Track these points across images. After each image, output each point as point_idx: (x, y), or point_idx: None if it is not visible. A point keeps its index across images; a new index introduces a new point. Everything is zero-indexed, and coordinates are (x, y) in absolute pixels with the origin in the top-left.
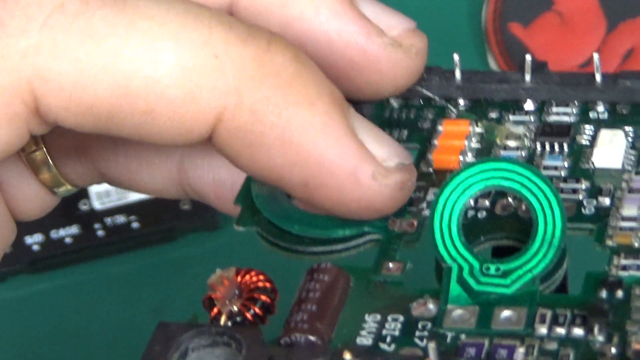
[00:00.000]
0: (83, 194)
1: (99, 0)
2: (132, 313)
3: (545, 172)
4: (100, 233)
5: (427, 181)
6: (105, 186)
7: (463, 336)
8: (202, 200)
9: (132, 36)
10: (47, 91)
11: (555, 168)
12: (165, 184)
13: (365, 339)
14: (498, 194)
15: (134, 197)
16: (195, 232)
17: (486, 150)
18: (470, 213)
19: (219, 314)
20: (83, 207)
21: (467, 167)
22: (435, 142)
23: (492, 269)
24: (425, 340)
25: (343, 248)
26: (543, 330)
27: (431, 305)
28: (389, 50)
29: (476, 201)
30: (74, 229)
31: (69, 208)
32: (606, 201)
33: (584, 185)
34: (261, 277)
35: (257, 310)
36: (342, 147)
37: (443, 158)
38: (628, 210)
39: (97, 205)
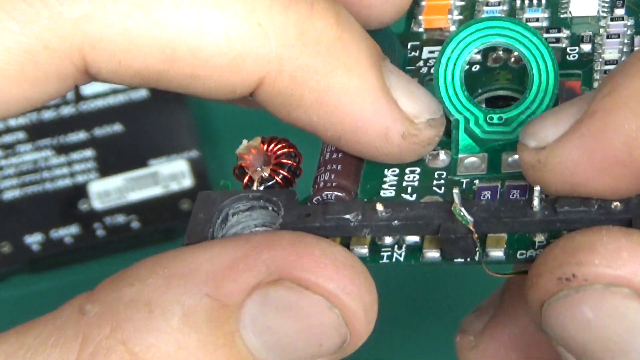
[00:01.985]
0: (83, 193)
1: None
2: None
3: (528, 24)
4: (100, 233)
5: (420, 40)
6: (105, 186)
7: (477, 182)
8: None
9: (179, 5)
10: (97, 57)
11: (537, 19)
12: None
13: (388, 192)
14: (488, 48)
15: (134, 196)
16: None
17: (470, 7)
18: (466, 67)
19: (251, 180)
20: (83, 206)
21: (465, 27)
22: (423, 3)
23: (495, 118)
24: (443, 189)
25: None
26: None
27: (443, 156)
28: None
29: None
30: (73, 229)
31: (69, 208)
32: (587, 47)
33: (565, 33)
34: (284, 143)
35: (285, 173)
36: (376, 109)
37: (432, 18)
38: (610, 55)
39: (97, 205)
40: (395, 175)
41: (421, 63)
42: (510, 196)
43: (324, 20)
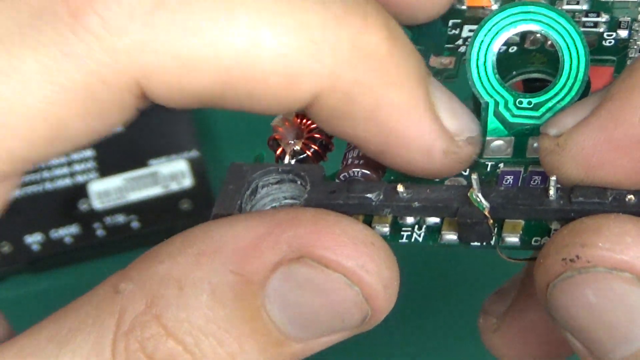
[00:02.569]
0: (83, 193)
1: None
2: None
3: (568, 7)
4: (100, 233)
5: (461, 18)
6: (105, 186)
7: (501, 165)
8: None
9: (231, 27)
10: (153, 85)
11: (577, 2)
12: None
13: None
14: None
15: (134, 196)
16: None
17: None
18: (502, 48)
19: (284, 152)
20: (83, 206)
21: (499, 11)
22: None
23: (525, 102)
24: (467, 170)
25: None
26: None
27: None
28: None
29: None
30: (73, 229)
31: (69, 208)
32: (624, 33)
33: (604, 18)
34: None
35: (316, 148)
36: (422, 126)
37: None
38: None
39: (97, 204)
40: None
41: (460, 41)
42: (532, 182)
43: (377, 35)
